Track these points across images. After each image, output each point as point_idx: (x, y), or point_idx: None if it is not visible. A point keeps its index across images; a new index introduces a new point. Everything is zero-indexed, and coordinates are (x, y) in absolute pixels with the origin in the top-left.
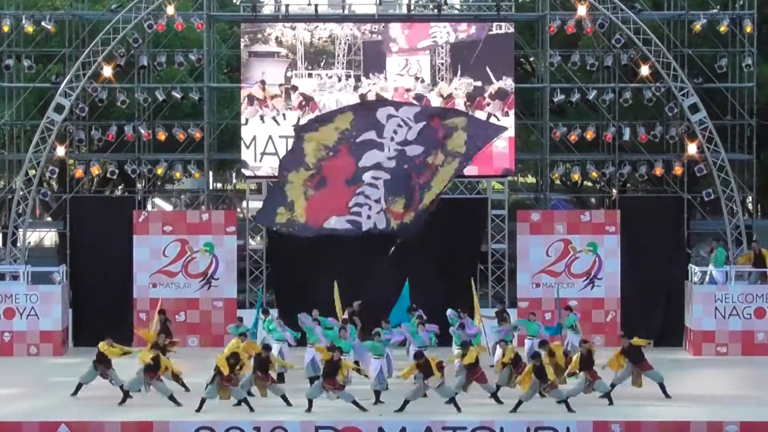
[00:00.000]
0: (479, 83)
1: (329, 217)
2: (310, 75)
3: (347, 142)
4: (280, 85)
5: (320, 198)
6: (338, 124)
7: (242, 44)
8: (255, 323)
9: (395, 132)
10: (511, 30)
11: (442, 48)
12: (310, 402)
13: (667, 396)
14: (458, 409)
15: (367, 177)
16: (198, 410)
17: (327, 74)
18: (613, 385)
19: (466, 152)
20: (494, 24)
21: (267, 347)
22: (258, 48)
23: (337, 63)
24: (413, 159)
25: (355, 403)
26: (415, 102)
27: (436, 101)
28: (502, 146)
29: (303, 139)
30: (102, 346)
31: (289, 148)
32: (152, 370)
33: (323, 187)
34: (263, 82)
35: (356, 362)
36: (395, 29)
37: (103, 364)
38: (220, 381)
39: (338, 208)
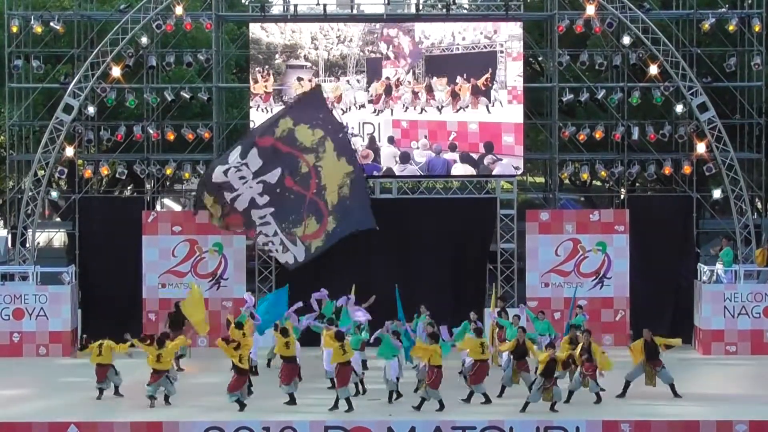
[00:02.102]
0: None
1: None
2: (330, 80)
3: (227, 205)
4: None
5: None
6: (207, 201)
7: (281, 59)
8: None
9: (240, 169)
10: (519, 29)
11: (420, 60)
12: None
13: (677, 395)
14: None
15: (255, 218)
16: (241, 410)
17: (342, 78)
18: (628, 383)
19: (327, 131)
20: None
21: (284, 330)
22: (293, 62)
23: (348, 73)
24: (281, 182)
25: (347, 400)
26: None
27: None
28: (510, 140)
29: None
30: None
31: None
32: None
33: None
34: (299, 78)
35: (364, 362)
36: (388, 48)
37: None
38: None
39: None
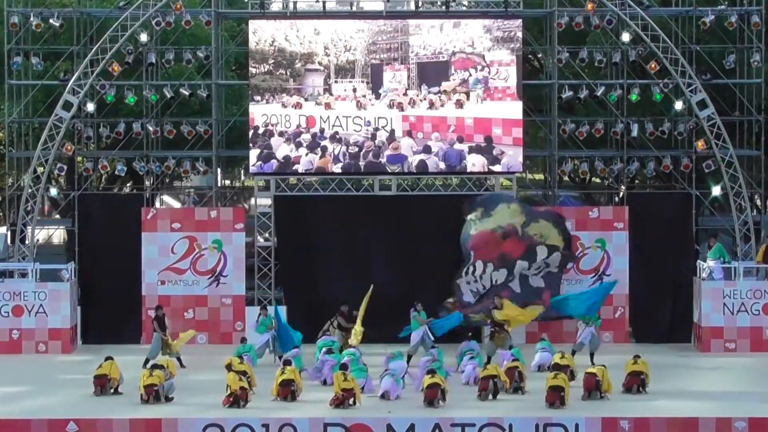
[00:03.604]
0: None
1: (474, 254)
2: (340, 82)
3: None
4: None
5: (487, 238)
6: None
7: (300, 64)
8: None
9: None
10: (490, 42)
11: (413, 65)
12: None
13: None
14: None
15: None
16: None
17: (348, 81)
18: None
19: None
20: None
21: (287, 362)
22: (309, 66)
23: (356, 76)
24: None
25: None
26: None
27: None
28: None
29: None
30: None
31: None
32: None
33: (499, 240)
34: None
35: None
36: (389, 53)
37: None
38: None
39: (480, 255)
